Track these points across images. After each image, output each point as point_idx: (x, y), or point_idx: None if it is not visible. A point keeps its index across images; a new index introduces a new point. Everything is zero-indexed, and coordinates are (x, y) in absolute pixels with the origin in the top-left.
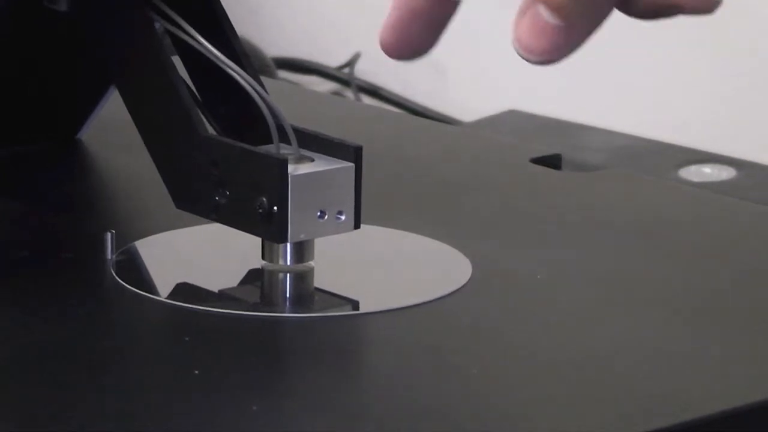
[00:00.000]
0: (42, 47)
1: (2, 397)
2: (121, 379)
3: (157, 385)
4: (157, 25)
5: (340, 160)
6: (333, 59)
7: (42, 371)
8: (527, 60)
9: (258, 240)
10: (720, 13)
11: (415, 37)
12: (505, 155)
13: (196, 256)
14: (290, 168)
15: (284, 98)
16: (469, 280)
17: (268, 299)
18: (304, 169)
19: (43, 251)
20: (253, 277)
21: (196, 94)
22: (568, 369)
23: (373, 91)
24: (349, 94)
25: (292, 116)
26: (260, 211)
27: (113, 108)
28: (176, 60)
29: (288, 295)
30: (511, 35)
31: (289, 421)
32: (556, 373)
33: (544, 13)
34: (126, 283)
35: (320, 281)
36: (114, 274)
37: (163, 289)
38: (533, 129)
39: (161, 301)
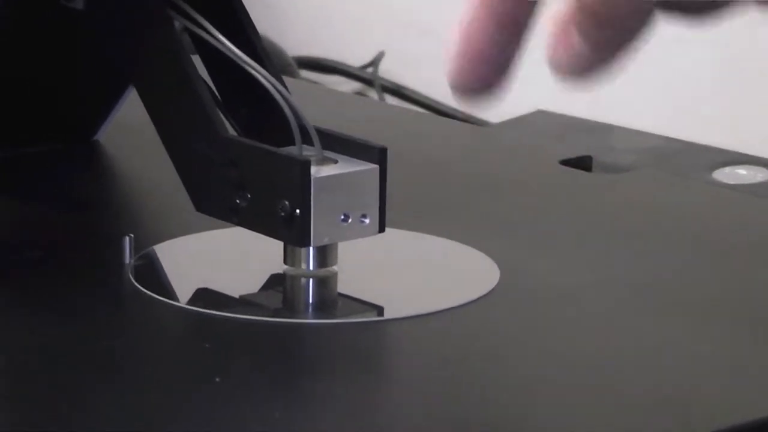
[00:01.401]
0: (59, 47)
1: (15, 401)
2: (138, 386)
3: (176, 393)
4: (176, 24)
5: (364, 162)
6: (356, 58)
7: (57, 377)
8: (562, 81)
9: (280, 244)
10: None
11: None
12: (534, 157)
13: (216, 260)
14: (313, 170)
15: (306, 98)
16: (497, 285)
17: (290, 305)
18: (327, 170)
19: (60, 255)
20: (275, 282)
21: (216, 94)
22: (601, 380)
23: (397, 91)
24: (373, 94)
25: (315, 117)
26: (282, 214)
27: (131, 109)
28: (196, 59)
29: (311, 301)
30: (546, 56)
31: (312, 430)
32: (588, 384)
33: (575, 37)
34: (144, 288)
35: (344, 286)
36: (132, 279)
37: (183, 294)
38: (562, 130)
39: (180, 306)
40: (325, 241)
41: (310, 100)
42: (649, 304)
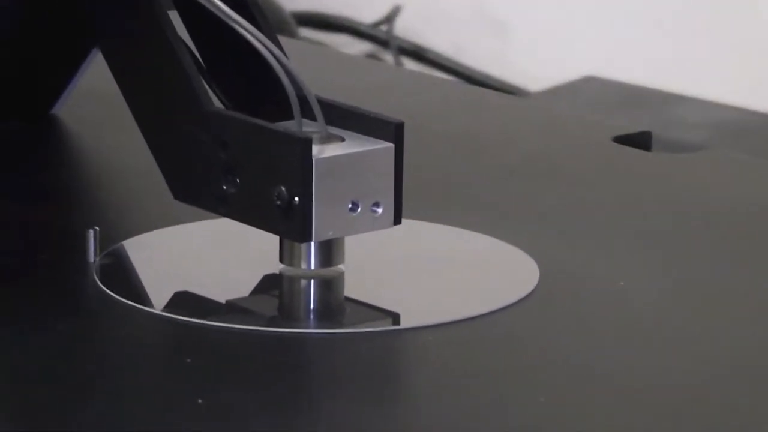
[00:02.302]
0: (9, 9)
1: None
2: (107, 409)
3: (150, 418)
4: None
5: (376, 140)
6: (367, 14)
7: (11, 400)
8: None
9: (275, 239)
10: None
11: None
12: (582, 132)
13: (199, 258)
14: (315, 149)
15: (308, 63)
16: (536, 287)
17: (287, 312)
18: (332, 150)
19: (13, 252)
20: (270, 284)
21: (200, 59)
22: (656, 397)
23: (418, 53)
24: (388, 56)
25: (318, 85)
26: (278, 202)
27: (95, 77)
28: (174, 16)
29: (312, 307)
30: None
31: None
32: (641, 402)
33: None
34: (112, 291)
35: (352, 290)
36: (98, 281)
37: (158, 299)
38: (616, 100)
39: (155, 313)
40: (330, 235)
41: (311, 64)
42: (718, 313)
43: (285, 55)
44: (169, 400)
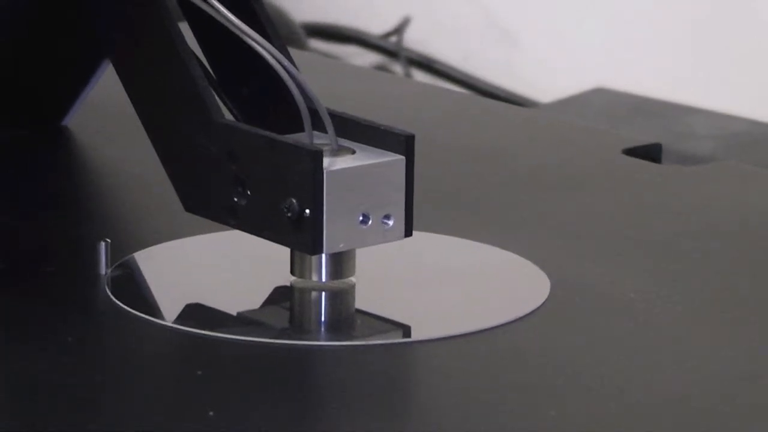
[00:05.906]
0: (22, 20)
1: None
2: (117, 421)
3: (161, 430)
4: None
5: (386, 152)
6: (376, 25)
7: (22, 413)
8: None
9: (286, 251)
10: None
11: None
12: (592, 144)
13: (209, 270)
14: (326, 162)
15: (317, 74)
16: (547, 300)
17: (298, 324)
18: (343, 163)
19: (23, 264)
20: (280, 296)
21: (210, 70)
22: (667, 411)
23: (427, 65)
24: (398, 68)
25: (328, 97)
26: (289, 215)
27: (106, 89)
28: (185, 28)
29: (323, 319)
30: None
31: None
32: (653, 417)
33: None
34: (124, 303)
35: (363, 302)
36: (109, 293)
37: (169, 311)
38: (626, 112)
39: (166, 325)
40: (341, 247)
41: (321, 76)
42: (731, 326)
43: (295, 66)
44: (180, 412)
